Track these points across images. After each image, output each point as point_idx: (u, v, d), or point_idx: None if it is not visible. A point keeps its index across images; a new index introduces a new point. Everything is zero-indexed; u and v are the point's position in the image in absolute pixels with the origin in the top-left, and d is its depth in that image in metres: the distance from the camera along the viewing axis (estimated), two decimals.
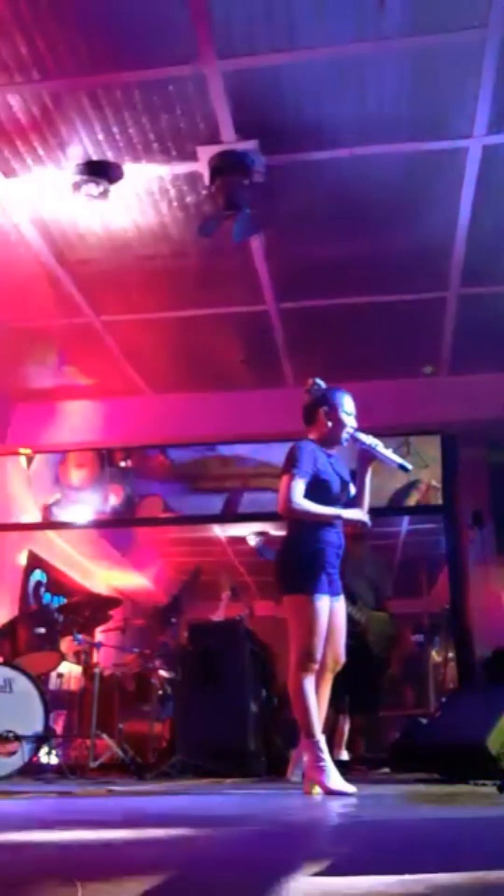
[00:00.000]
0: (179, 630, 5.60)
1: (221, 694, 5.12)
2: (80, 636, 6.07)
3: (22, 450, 7.24)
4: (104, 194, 4.45)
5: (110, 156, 4.33)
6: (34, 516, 7.44)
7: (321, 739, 3.18)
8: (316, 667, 3.24)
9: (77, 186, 4.42)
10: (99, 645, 6.40)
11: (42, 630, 5.63)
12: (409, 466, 3.47)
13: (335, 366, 6.24)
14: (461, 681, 6.35)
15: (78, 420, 7.11)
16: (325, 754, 3.16)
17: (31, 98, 3.96)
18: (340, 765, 3.73)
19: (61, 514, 7.42)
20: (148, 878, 1.27)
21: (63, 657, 5.80)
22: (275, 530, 7.38)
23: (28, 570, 7.91)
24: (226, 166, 4.27)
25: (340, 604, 3.39)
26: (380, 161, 4.40)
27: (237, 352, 6.37)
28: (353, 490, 3.47)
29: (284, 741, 5.55)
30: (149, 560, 9.89)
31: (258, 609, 8.12)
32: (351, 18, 3.55)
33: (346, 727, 5.53)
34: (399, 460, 3.41)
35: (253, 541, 8.15)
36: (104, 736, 5.57)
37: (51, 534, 8.15)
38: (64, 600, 7.63)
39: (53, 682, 6.62)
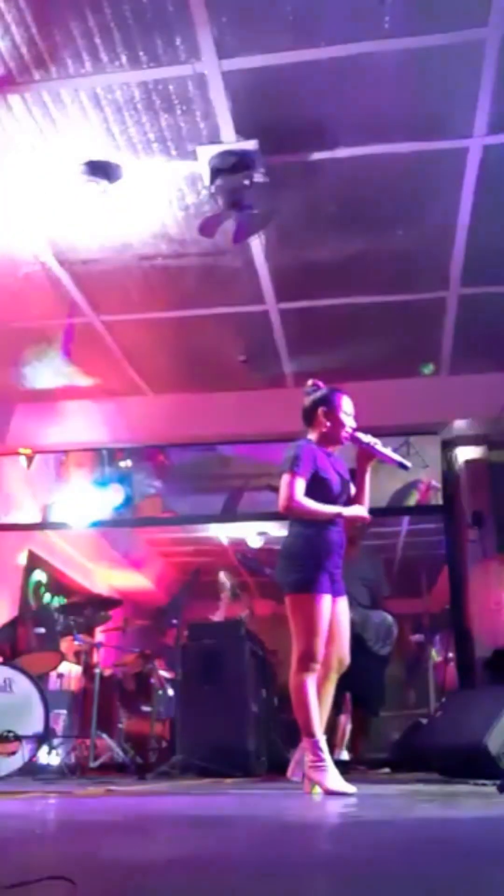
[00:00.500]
0: (180, 630, 5.61)
1: (221, 694, 5.11)
2: (80, 636, 6.08)
3: (22, 450, 7.24)
4: (104, 194, 4.46)
5: (110, 156, 4.33)
6: (34, 516, 7.44)
7: (321, 739, 3.18)
8: (317, 666, 3.24)
9: (77, 186, 4.42)
10: (99, 645, 6.41)
11: (42, 630, 5.64)
12: (409, 464, 3.48)
13: (335, 366, 6.26)
14: (461, 681, 6.35)
15: (78, 420, 7.11)
16: (326, 754, 3.16)
17: (31, 98, 3.96)
18: (340, 765, 3.72)
19: (61, 514, 7.42)
20: (148, 879, 1.27)
21: (63, 657, 5.81)
22: (275, 530, 7.40)
23: (28, 570, 7.91)
24: (226, 166, 4.27)
25: (344, 604, 3.39)
26: (380, 161, 4.40)
27: (237, 352, 6.36)
28: (353, 489, 3.48)
29: (284, 741, 5.56)
30: (149, 560, 9.89)
31: (258, 609, 8.12)
32: (351, 18, 3.55)
33: (348, 727, 5.54)
34: (398, 458, 3.42)
35: (254, 541, 8.16)
36: (104, 736, 5.58)
37: (51, 534, 8.15)
38: (64, 600, 7.65)
39: (53, 682, 6.63)
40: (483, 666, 6.06)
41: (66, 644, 6.13)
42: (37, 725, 4.46)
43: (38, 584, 8.16)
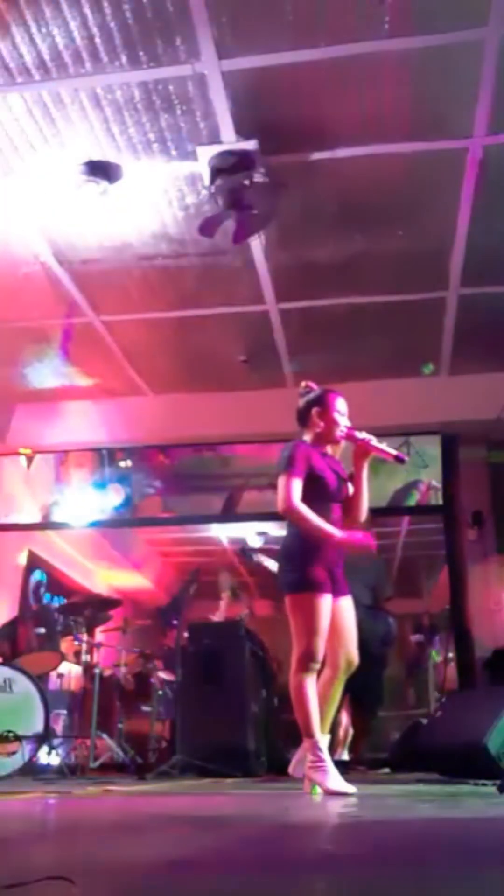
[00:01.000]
0: (180, 631, 5.61)
1: (221, 694, 5.11)
2: (80, 636, 6.08)
3: (22, 450, 7.24)
4: (104, 194, 4.46)
5: (110, 156, 4.34)
6: (34, 516, 7.44)
7: (321, 740, 3.18)
8: (317, 666, 3.24)
9: (77, 186, 4.43)
10: (99, 645, 6.41)
11: (42, 630, 5.64)
12: (405, 457, 3.48)
13: (335, 366, 6.26)
14: (461, 681, 6.35)
15: (78, 420, 7.11)
16: (326, 755, 3.16)
17: (31, 98, 3.96)
18: (340, 765, 3.72)
19: (61, 514, 7.42)
20: (148, 879, 1.27)
21: (63, 657, 5.81)
22: (275, 530, 7.39)
23: (28, 570, 7.91)
24: (226, 166, 4.26)
25: (348, 603, 3.36)
26: (380, 161, 4.40)
27: (237, 352, 6.36)
28: (351, 489, 3.48)
29: (284, 741, 5.55)
30: (149, 560, 9.89)
31: (258, 609, 8.12)
32: (351, 18, 3.55)
33: (349, 729, 5.53)
34: (394, 452, 3.42)
35: (254, 541, 8.15)
36: (104, 736, 5.58)
37: (51, 534, 8.15)
38: (64, 600, 7.64)
39: (53, 682, 6.63)
40: (483, 666, 6.07)
41: (66, 644, 6.13)
42: (37, 725, 4.46)
43: (38, 584, 8.16)
